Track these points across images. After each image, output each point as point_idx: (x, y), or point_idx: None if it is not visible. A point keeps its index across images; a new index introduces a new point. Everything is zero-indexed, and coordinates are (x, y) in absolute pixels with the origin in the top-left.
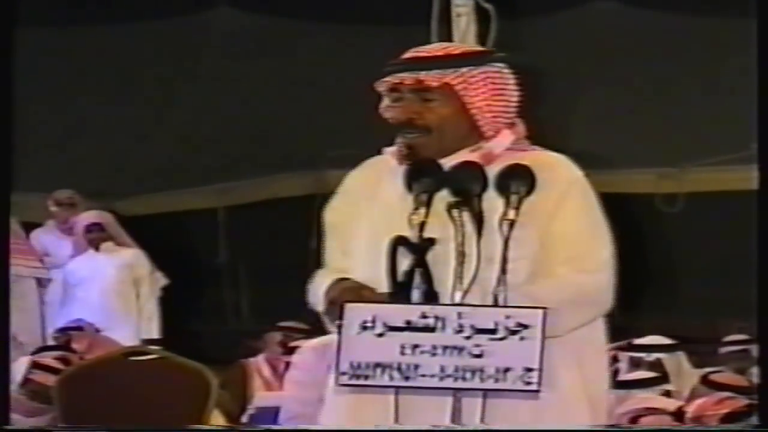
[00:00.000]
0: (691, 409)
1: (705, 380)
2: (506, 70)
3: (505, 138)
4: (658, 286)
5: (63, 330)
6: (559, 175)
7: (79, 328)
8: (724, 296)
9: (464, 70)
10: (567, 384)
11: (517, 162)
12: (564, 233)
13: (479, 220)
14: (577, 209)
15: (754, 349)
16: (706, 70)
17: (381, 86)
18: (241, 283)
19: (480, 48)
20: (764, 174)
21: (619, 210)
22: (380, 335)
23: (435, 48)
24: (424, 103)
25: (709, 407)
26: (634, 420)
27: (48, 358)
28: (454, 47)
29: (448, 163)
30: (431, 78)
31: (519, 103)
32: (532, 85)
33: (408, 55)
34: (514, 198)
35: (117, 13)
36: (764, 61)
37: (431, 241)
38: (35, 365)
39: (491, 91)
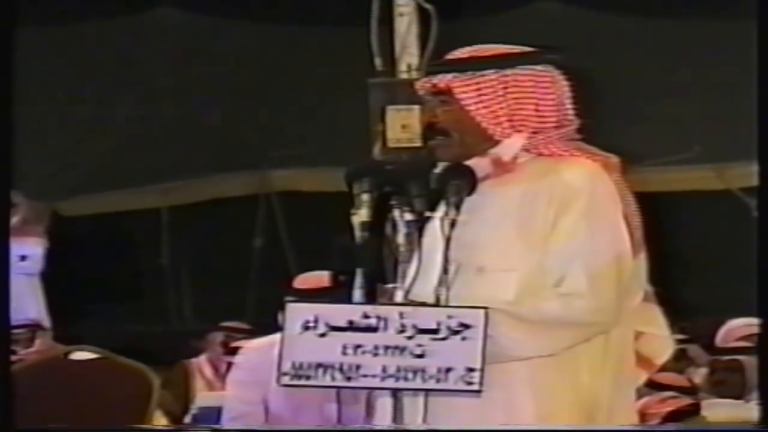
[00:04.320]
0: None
1: (648, 380)
2: (540, 73)
3: (515, 142)
4: None
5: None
6: (564, 182)
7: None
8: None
9: (475, 73)
10: (559, 397)
11: (453, 161)
12: (557, 251)
13: (421, 220)
14: (575, 223)
15: (692, 350)
16: (656, 69)
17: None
18: (184, 283)
19: (517, 49)
20: (764, 173)
21: None
22: (322, 335)
23: (463, 51)
24: (442, 107)
25: (652, 406)
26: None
27: None
28: (485, 50)
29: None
30: (442, 82)
31: (557, 105)
32: None
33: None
34: (453, 198)
35: (57, 13)
36: (765, 62)
37: (373, 242)
38: None
39: (500, 94)
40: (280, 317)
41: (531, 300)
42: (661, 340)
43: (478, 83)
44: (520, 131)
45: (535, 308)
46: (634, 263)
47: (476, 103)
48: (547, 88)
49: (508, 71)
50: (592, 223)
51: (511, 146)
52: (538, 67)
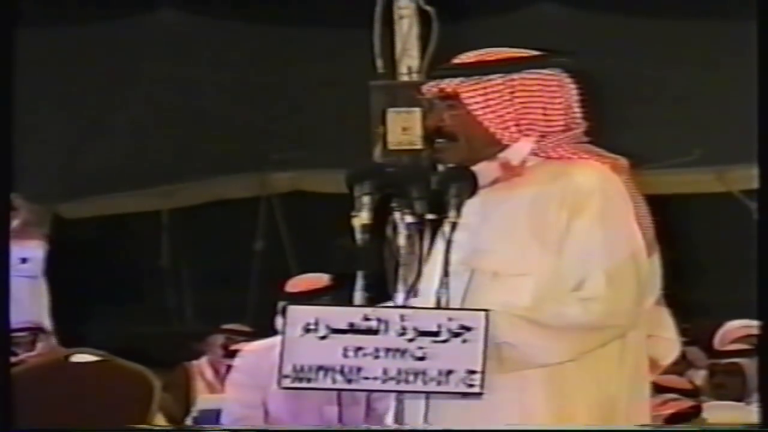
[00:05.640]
0: None
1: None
2: (548, 77)
3: (523, 147)
4: None
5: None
6: (576, 185)
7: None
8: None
9: (482, 77)
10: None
11: (459, 165)
12: (575, 255)
13: (422, 222)
14: (590, 225)
15: (692, 352)
16: (656, 72)
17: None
18: (185, 285)
19: (524, 53)
20: (765, 176)
21: None
22: (323, 338)
23: (470, 55)
24: (449, 111)
25: (653, 408)
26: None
27: None
28: (493, 54)
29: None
30: (449, 86)
31: (565, 109)
32: None
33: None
34: (454, 200)
35: (59, 14)
36: (765, 64)
37: (374, 244)
38: None
39: (507, 99)
40: (278, 321)
41: (551, 305)
42: (668, 343)
43: (485, 88)
44: (527, 135)
45: (556, 314)
46: (649, 263)
47: (483, 107)
48: (555, 92)
49: (515, 76)
50: (607, 225)
51: (519, 150)
52: (546, 71)
